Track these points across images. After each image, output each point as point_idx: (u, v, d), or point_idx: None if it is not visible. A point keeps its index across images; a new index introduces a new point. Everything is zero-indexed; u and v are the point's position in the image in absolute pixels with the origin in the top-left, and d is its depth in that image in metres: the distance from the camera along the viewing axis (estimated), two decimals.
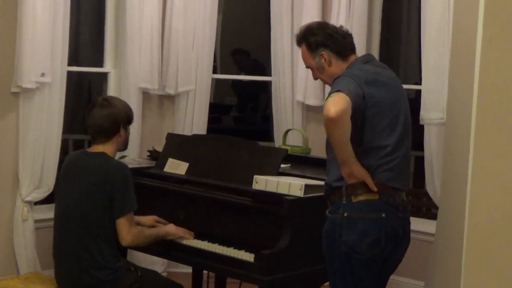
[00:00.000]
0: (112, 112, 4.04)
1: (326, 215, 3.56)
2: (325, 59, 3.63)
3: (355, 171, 3.43)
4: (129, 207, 3.95)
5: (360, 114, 3.42)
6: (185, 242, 4.09)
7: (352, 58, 3.64)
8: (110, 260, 3.95)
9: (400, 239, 3.55)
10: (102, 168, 3.97)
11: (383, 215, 3.47)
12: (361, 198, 3.46)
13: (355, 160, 3.42)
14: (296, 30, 3.80)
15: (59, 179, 4.18)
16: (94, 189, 3.93)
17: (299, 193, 3.80)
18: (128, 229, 3.94)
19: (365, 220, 3.45)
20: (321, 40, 3.63)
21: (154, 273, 4.30)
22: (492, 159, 3.38)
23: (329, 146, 3.53)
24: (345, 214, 3.47)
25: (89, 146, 4.19)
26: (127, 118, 4.11)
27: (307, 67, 3.74)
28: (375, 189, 3.44)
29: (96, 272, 3.91)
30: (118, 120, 4.05)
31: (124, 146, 4.17)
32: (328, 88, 3.54)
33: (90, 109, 4.10)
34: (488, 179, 3.39)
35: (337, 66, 3.62)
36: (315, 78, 3.75)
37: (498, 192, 3.37)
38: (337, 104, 3.26)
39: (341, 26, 3.75)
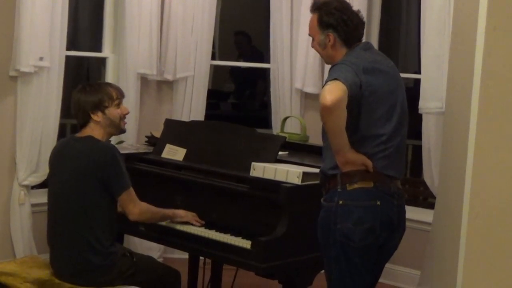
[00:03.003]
0: (78, 100, 4.02)
1: (321, 203, 3.56)
2: (330, 40, 3.59)
3: (351, 158, 3.42)
4: (125, 185, 3.95)
5: (356, 102, 3.40)
6: (181, 228, 4.09)
7: (354, 45, 3.61)
8: (104, 244, 3.94)
9: (395, 227, 3.55)
10: (89, 151, 3.96)
11: (378, 202, 3.46)
12: (356, 186, 3.46)
13: (350, 148, 3.41)
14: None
15: (50, 167, 4.16)
16: (84, 173, 3.92)
17: (297, 180, 3.79)
18: (133, 203, 3.95)
19: (360, 208, 3.45)
20: (334, 23, 3.57)
21: (150, 258, 4.29)
22: (492, 148, 3.38)
23: (324, 133, 3.52)
24: (340, 202, 3.46)
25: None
26: (97, 103, 4.01)
27: (309, 35, 3.71)
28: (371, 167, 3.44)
29: (91, 256, 3.91)
30: (83, 107, 4.00)
31: (114, 130, 4.11)
32: (327, 75, 3.51)
33: (72, 99, 4.12)
34: (488, 169, 3.39)
35: (339, 51, 3.59)
36: (313, 46, 3.71)
37: (498, 182, 3.37)
38: (333, 92, 3.25)
39: (359, 11, 3.68)
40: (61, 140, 4.28)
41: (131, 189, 3.97)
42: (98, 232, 3.93)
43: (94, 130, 4.02)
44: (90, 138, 4.00)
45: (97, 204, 3.93)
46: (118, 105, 4.08)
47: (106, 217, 3.96)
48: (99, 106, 4.02)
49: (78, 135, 4.07)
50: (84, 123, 4.04)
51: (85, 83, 4.16)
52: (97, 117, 4.01)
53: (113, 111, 4.05)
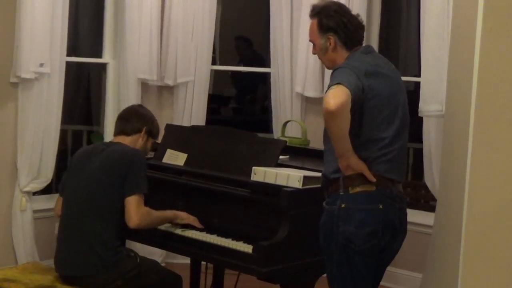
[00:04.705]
0: (139, 112, 4.32)
1: (323, 206, 3.56)
2: (330, 43, 3.60)
3: (353, 163, 3.42)
4: (139, 188, 4.00)
5: (359, 106, 3.40)
6: (183, 233, 4.09)
7: (355, 48, 3.62)
8: (114, 241, 4.01)
9: (397, 231, 3.55)
10: (117, 150, 4.10)
11: (380, 206, 3.46)
12: (358, 189, 3.46)
13: (353, 152, 3.42)
14: (310, 6, 3.72)
15: (75, 164, 4.22)
16: (109, 169, 4.02)
17: (298, 184, 3.79)
18: (136, 210, 3.97)
19: (362, 211, 3.45)
20: (333, 26, 3.58)
21: (154, 262, 4.31)
22: (491, 151, 3.39)
23: (326, 137, 3.51)
24: (343, 205, 3.46)
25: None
26: (150, 127, 4.29)
27: (310, 41, 3.71)
28: (373, 179, 3.44)
29: (100, 249, 3.95)
30: (142, 122, 4.26)
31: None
32: (327, 79, 3.52)
33: (128, 107, 4.47)
34: (487, 172, 3.40)
35: (340, 54, 3.60)
36: (314, 53, 3.72)
37: (497, 185, 3.38)
38: (337, 96, 3.25)
39: (358, 15, 3.69)
40: (88, 146, 4.53)
41: (141, 196, 4.00)
42: (109, 228, 4.00)
43: (128, 141, 4.20)
44: (121, 143, 4.18)
45: (116, 201, 4.00)
46: (152, 144, 4.37)
47: (119, 216, 4.01)
48: (151, 133, 4.31)
49: (108, 141, 4.28)
50: (130, 133, 4.23)
51: (138, 104, 4.57)
52: (143, 137, 4.25)
53: (150, 144, 4.33)
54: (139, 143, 4.23)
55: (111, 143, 4.23)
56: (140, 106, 4.57)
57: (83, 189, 4.05)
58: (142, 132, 4.23)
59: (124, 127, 4.24)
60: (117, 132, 4.26)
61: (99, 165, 4.05)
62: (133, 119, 4.25)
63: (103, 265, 3.96)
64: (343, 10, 3.65)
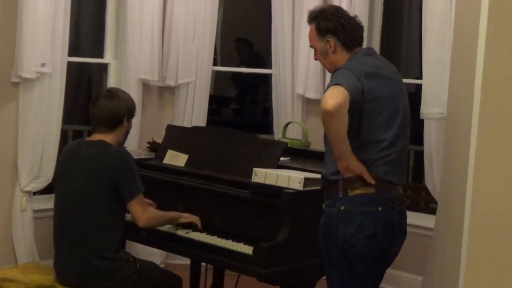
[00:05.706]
0: (115, 106, 4.04)
1: (322, 208, 3.56)
2: (330, 46, 3.60)
3: (352, 165, 3.42)
4: (137, 190, 3.96)
5: (358, 108, 3.40)
6: (183, 233, 4.09)
7: (356, 50, 3.62)
8: (111, 250, 3.96)
9: (396, 233, 3.55)
10: (102, 155, 3.97)
11: (380, 208, 3.46)
12: (358, 191, 3.45)
13: (352, 154, 3.41)
14: (307, 12, 3.74)
15: (58, 169, 4.17)
16: (95, 177, 3.93)
17: (299, 186, 3.79)
18: (142, 210, 3.96)
19: (361, 214, 3.44)
20: (332, 27, 3.59)
21: (153, 264, 4.29)
22: (494, 154, 3.39)
23: (326, 138, 3.52)
24: (342, 208, 3.46)
25: (89, 135, 4.20)
26: (129, 112, 4.11)
27: (310, 46, 3.72)
28: (372, 182, 3.44)
29: (97, 261, 3.92)
30: (120, 113, 4.05)
31: (123, 139, 4.17)
32: (328, 80, 3.52)
33: (94, 99, 4.12)
34: (489, 175, 3.40)
35: (341, 56, 3.60)
36: (316, 59, 3.73)
37: (500, 188, 3.38)
38: (335, 97, 3.25)
39: (356, 16, 3.70)
40: (70, 143, 4.29)
41: (141, 196, 3.98)
42: (104, 237, 3.94)
43: (110, 136, 4.03)
44: (103, 142, 4.02)
45: (105, 208, 3.94)
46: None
47: (115, 223, 3.97)
48: (131, 113, 4.11)
49: (90, 139, 4.09)
50: (108, 129, 4.03)
51: (106, 90, 4.19)
52: (125, 124, 4.08)
53: (131, 123, 4.16)
54: (123, 131, 4.09)
55: (92, 143, 4.03)
56: (108, 94, 4.11)
57: (74, 199, 3.97)
58: (124, 123, 4.07)
59: (102, 126, 4.04)
60: (97, 130, 4.05)
61: (85, 172, 3.94)
62: (111, 118, 4.02)
63: (101, 275, 3.94)
64: (340, 12, 3.66)
